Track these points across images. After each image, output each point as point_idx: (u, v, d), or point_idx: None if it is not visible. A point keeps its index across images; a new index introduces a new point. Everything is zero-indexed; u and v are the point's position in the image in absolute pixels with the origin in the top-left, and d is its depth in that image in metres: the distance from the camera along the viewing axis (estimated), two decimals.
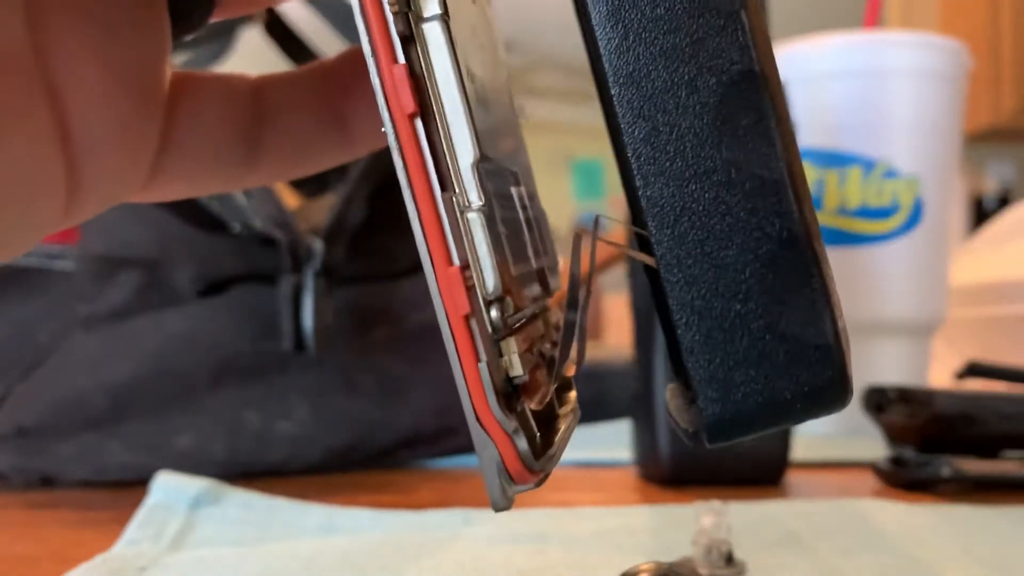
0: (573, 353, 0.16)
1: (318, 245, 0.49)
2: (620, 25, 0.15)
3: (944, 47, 0.64)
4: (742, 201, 0.15)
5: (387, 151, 0.15)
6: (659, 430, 0.45)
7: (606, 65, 0.16)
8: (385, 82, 0.15)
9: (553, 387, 0.17)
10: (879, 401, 0.50)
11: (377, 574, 0.30)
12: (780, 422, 0.16)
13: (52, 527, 0.38)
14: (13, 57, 0.17)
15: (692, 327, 0.16)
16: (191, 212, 0.49)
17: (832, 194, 0.64)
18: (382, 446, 0.51)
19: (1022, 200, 1.13)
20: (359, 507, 0.39)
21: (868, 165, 0.63)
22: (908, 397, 0.47)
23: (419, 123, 0.15)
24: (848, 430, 0.63)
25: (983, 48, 2.35)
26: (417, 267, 0.55)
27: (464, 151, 0.15)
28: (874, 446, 0.53)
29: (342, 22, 0.55)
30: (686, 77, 0.15)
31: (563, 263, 0.22)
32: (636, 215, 0.16)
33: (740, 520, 0.35)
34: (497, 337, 0.15)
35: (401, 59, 0.15)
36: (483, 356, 0.15)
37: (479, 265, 0.15)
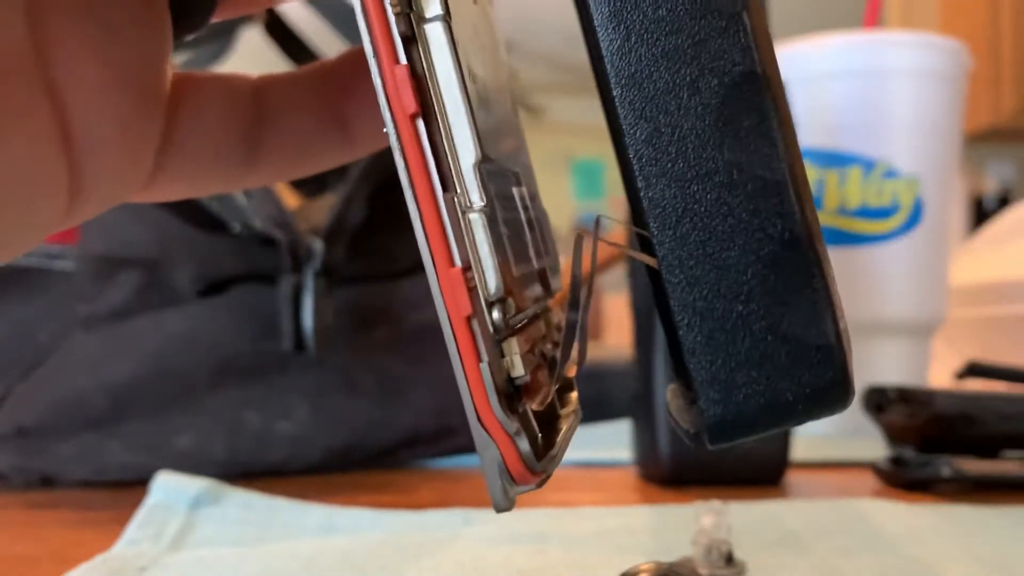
0: (574, 354, 0.16)
1: (318, 245, 0.49)
2: (622, 26, 0.15)
3: (944, 47, 0.64)
4: (744, 202, 0.15)
5: (388, 151, 0.15)
6: (659, 430, 0.45)
7: (608, 66, 0.16)
8: (387, 82, 0.15)
9: (555, 388, 0.17)
10: (879, 401, 0.50)
11: (377, 574, 0.30)
12: (782, 423, 0.16)
13: (52, 527, 0.38)
14: (14, 57, 0.17)
15: (694, 328, 0.16)
16: (191, 212, 0.49)
17: (832, 194, 0.64)
18: (382, 446, 0.51)
19: (1022, 200, 1.13)
20: (359, 507, 0.39)
21: (868, 165, 0.63)
22: (908, 397, 0.47)
23: (421, 124, 0.15)
24: (848, 430, 0.63)
25: (983, 48, 2.35)
26: (417, 267, 0.55)
27: (466, 152, 0.15)
28: (874, 446, 0.53)
29: (342, 22, 0.55)
30: (688, 78, 0.15)
31: (564, 263, 0.22)
32: (638, 216, 0.16)
33: (740, 520, 0.35)
34: (499, 338, 0.15)
35: (403, 59, 0.15)
36: (485, 357, 0.15)
37: (481, 266, 0.15)
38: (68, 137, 0.18)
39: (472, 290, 0.15)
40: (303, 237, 0.49)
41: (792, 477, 0.48)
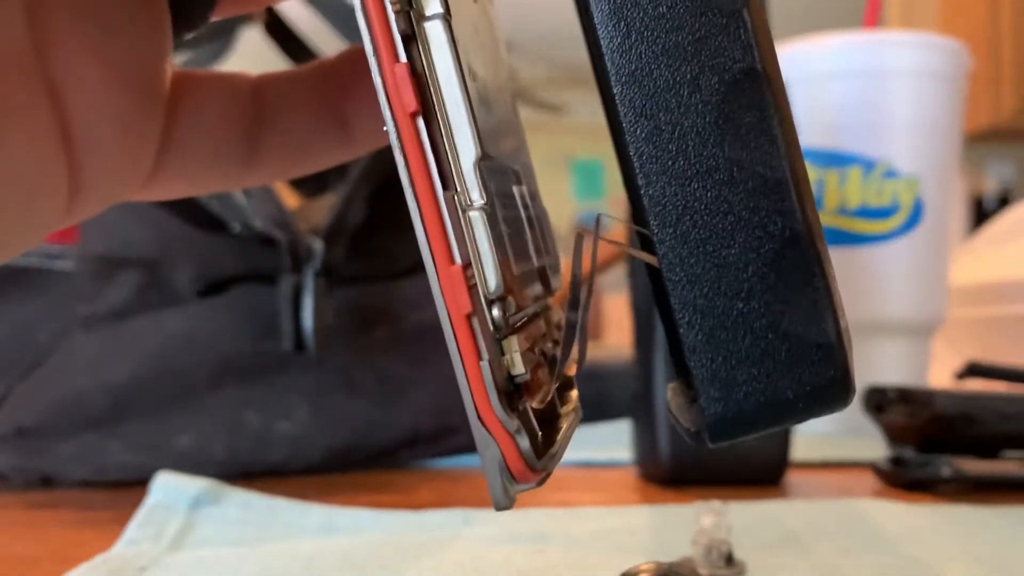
0: (574, 352, 0.16)
1: (318, 245, 0.49)
2: (622, 24, 0.15)
3: (944, 47, 0.64)
4: (744, 200, 0.15)
5: (388, 150, 0.15)
6: (659, 430, 0.45)
7: (608, 64, 0.16)
8: (387, 81, 0.15)
9: (555, 386, 0.17)
10: (879, 401, 0.50)
11: (377, 574, 0.30)
12: (782, 421, 0.16)
13: (52, 527, 0.38)
14: (14, 57, 0.17)
15: (694, 326, 0.16)
16: (191, 212, 0.49)
17: (832, 194, 0.64)
18: (382, 446, 0.51)
19: (1022, 200, 1.13)
20: (359, 507, 0.39)
21: (868, 165, 0.63)
22: (908, 397, 0.47)
23: (421, 122, 0.15)
24: (848, 430, 0.63)
25: (983, 48, 2.35)
26: (417, 267, 0.55)
27: (466, 150, 0.15)
28: (874, 446, 0.53)
29: (342, 22, 0.55)
30: (688, 76, 0.15)
31: (564, 264, 0.22)
32: (638, 214, 0.16)
33: (740, 520, 0.35)
34: (499, 336, 0.15)
35: (403, 58, 0.15)
36: (485, 355, 0.15)
37: (481, 264, 0.15)
38: (68, 136, 0.18)
39: (472, 288, 0.15)
40: (303, 237, 0.49)
41: (792, 477, 0.48)
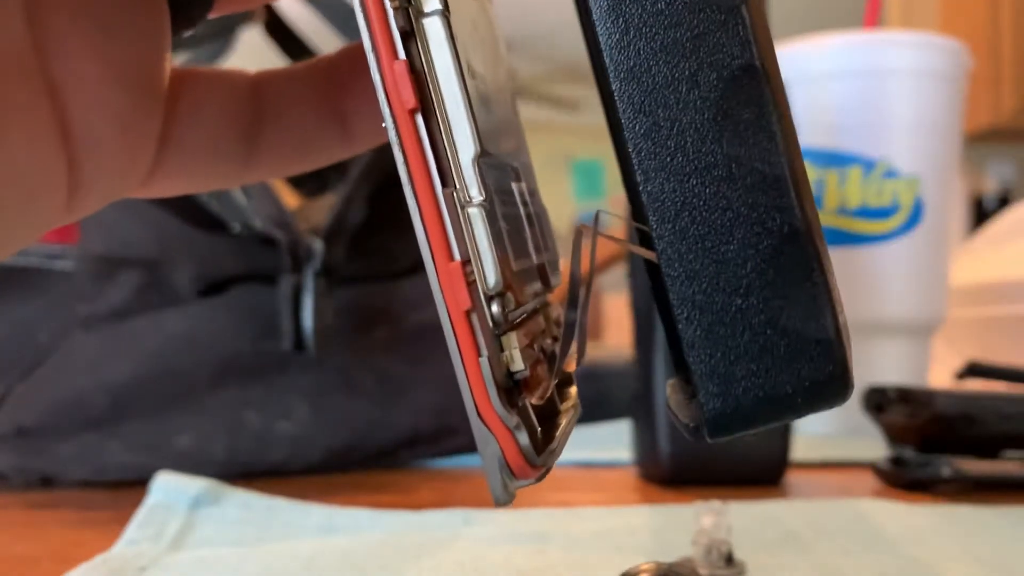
0: (573, 348, 0.16)
1: (318, 245, 0.49)
2: (621, 20, 0.15)
3: (944, 47, 0.64)
4: (743, 196, 0.15)
5: (387, 149, 0.15)
6: (659, 430, 0.45)
7: (607, 60, 0.16)
8: (386, 78, 0.15)
9: (554, 382, 0.17)
10: (879, 401, 0.50)
11: (377, 574, 0.30)
12: (781, 416, 0.16)
13: (52, 527, 0.38)
14: (14, 56, 0.17)
15: (693, 322, 0.16)
16: (191, 212, 0.49)
17: (832, 194, 0.64)
18: (382, 446, 0.51)
19: (1022, 200, 1.13)
20: (359, 507, 0.39)
21: (868, 165, 0.63)
22: (908, 397, 0.47)
23: (420, 119, 0.15)
24: (848, 430, 0.63)
25: (983, 48, 2.35)
26: (417, 267, 0.55)
27: (465, 146, 0.15)
28: (874, 446, 0.53)
29: (342, 22, 0.55)
30: (687, 72, 0.15)
31: (564, 265, 0.22)
32: (637, 211, 0.16)
33: (740, 520, 0.35)
34: (498, 332, 0.15)
35: (402, 55, 0.15)
36: (484, 351, 0.15)
37: (480, 260, 0.15)
38: (68, 135, 0.18)
39: (471, 284, 0.15)
40: (303, 237, 0.49)
41: (792, 477, 0.48)
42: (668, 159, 0.15)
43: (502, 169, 0.17)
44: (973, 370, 0.61)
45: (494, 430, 0.15)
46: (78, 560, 0.31)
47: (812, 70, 0.64)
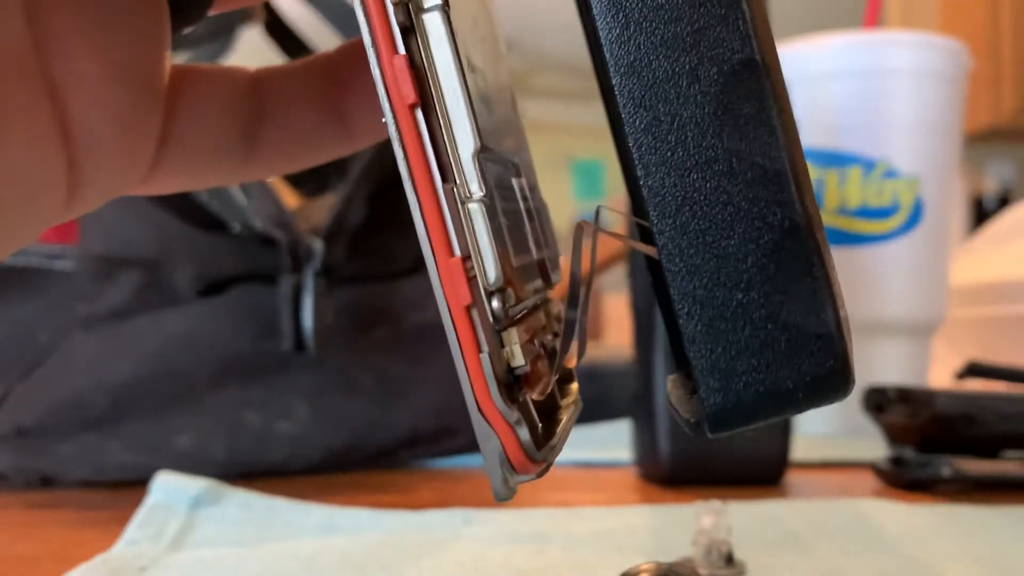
0: (574, 347, 0.16)
1: (318, 245, 0.49)
2: (621, 14, 0.15)
3: (944, 47, 0.64)
4: (743, 190, 0.15)
5: (387, 147, 0.15)
6: (659, 430, 0.45)
7: (607, 55, 0.16)
8: (386, 73, 0.15)
9: (555, 378, 0.17)
10: (879, 401, 0.50)
11: (377, 574, 0.30)
12: (782, 412, 0.16)
13: (52, 527, 0.38)
14: (14, 55, 0.17)
15: (694, 317, 0.16)
16: (191, 212, 0.49)
17: (832, 194, 0.64)
18: (382, 446, 0.51)
19: (1022, 200, 1.13)
20: (359, 507, 0.39)
21: (868, 165, 0.63)
22: (908, 397, 0.47)
23: (420, 114, 0.15)
24: (848, 430, 0.63)
25: (983, 48, 2.35)
26: (417, 267, 0.55)
27: (465, 142, 0.15)
28: (874, 446, 0.53)
29: (342, 21, 0.55)
30: (687, 66, 0.15)
31: (564, 264, 0.22)
32: (637, 206, 0.16)
33: (740, 520, 0.35)
34: (499, 327, 0.15)
35: (402, 50, 0.15)
36: (485, 346, 0.15)
37: (480, 256, 0.15)
38: (68, 134, 0.18)
39: (472, 280, 0.15)
40: (303, 237, 0.49)
41: (792, 477, 0.48)
42: (668, 154, 0.15)
43: (502, 165, 0.17)
44: (973, 370, 0.61)
45: (495, 425, 0.15)
46: (78, 560, 0.31)
47: (812, 70, 0.65)
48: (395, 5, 0.15)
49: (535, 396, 0.16)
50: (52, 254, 0.48)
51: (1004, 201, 2.55)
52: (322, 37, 0.56)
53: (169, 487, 0.39)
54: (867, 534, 0.35)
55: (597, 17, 0.16)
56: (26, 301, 0.48)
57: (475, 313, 0.15)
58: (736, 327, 0.15)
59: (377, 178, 0.51)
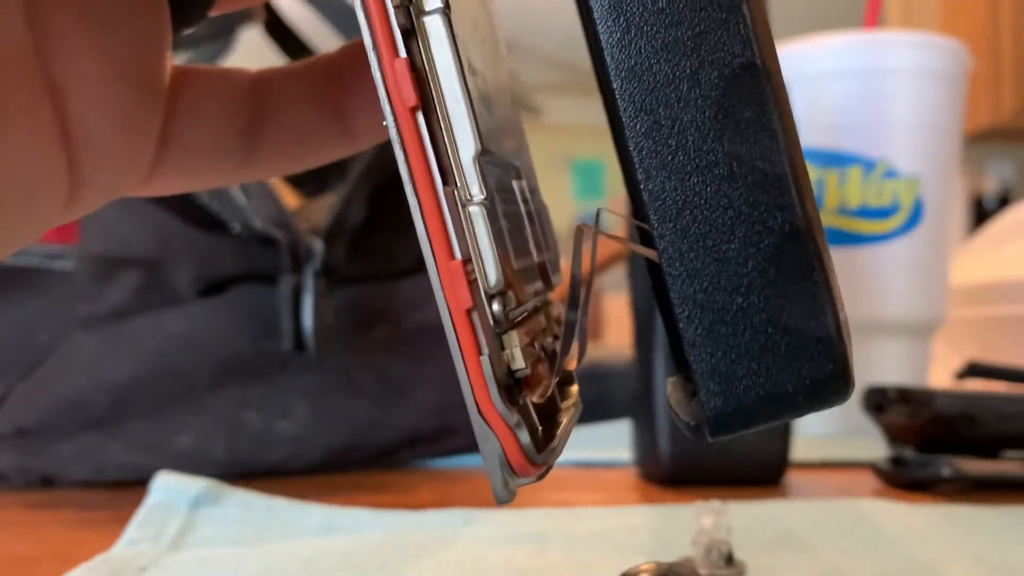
0: (574, 348, 0.16)
1: (318, 245, 0.49)
2: (622, 19, 0.15)
3: (944, 47, 0.64)
4: (744, 194, 0.15)
5: (388, 149, 0.15)
6: (659, 430, 0.45)
7: (608, 59, 0.16)
8: (387, 76, 0.15)
9: (555, 381, 0.17)
10: (879, 401, 0.50)
11: (377, 574, 0.30)
12: (782, 415, 0.16)
13: (52, 527, 0.38)
14: (14, 56, 0.17)
15: (694, 320, 0.16)
16: (191, 212, 0.49)
17: (832, 194, 0.64)
18: (382, 446, 0.51)
19: (1022, 200, 1.13)
20: (359, 507, 0.39)
21: (868, 165, 0.63)
22: (908, 397, 0.47)
23: (420, 117, 0.15)
24: (848, 430, 0.63)
25: (983, 48, 2.35)
26: (417, 267, 0.55)
27: (465, 144, 0.15)
28: (874, 446, 0.53)
29: (342, 21, 0.55)
30: (688, 70, 0.15)
31: (565, 266, 0.22)
32: (638, 209, 0.16)
33: (740, 520, 0.35)
34: (499, 330, 0.15)
35: (403, 53, 0.15)
36: (485, 349, 0.15)
37: (481, 259, 0.15)
38: (68, 134, 0.18)
39: (472, 283, 0.15)
40: (303, 237, 0.49)
41: (792, 477, 0.48)
42: (669, 157, 0.15)
43: (503, 167, 0.17)
44: (973, 370, 0.61)
45: (495, 428, 0.15)
46: (78, 560, 0.31)
47: (812, 70, 0.65)
48: (396, 8, 0.15)
49: (535, 399, 0.16)
50: (52, 254, 0.48)
51: (1004, 201, 2.55)
52: (322, 37, 0.56)
53: (169, 487, 0.39)
54: (867, 534, 0.35)
55: (598, 21, 0.16)
56: (26, 301, 0.48)
57: (476, 316, 0.15)
58: (736, 331, 0.15)
59: (377, 178, 0.51)
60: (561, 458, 0.17)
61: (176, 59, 0.21)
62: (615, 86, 0.16)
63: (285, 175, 0.41)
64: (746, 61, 0.15)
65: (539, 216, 0.21)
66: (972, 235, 1.13)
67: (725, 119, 0.15)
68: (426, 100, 0.15)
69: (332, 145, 0.23)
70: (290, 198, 0.53)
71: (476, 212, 0.15)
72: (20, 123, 0.17)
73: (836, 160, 0.64)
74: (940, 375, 0.72)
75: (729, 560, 0.30)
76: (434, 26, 0.15)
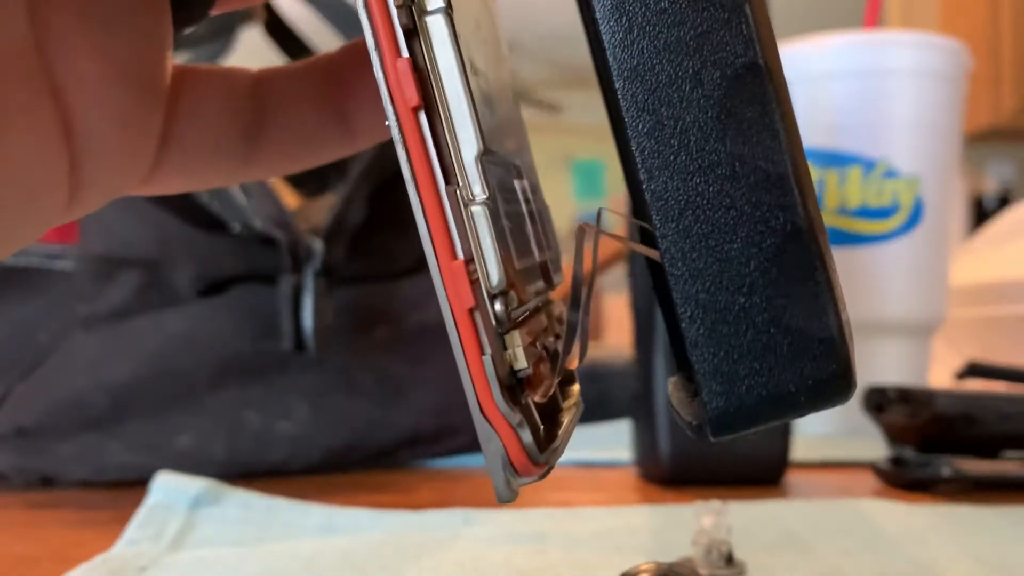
0: (575, 347, 0.16)
1: (318, 245, 0.49)
2: (624, 19, 0.15)
3: (944, 47, 0.64)
4: (746, 194, 0.15)
5: (389, 148, 0.15)
6: (659, 430, 0.45)
7: (610, 59, 0.16)
8: (389, 76, 0.15)
9: (557, 380, 0.17)
10: (879, 401, 0.50)
11: (377, 574, 0.30)
12: (784, 415, 0.16)
13: (52, 527, 0.38)
14: (16, 56, 0.17)
15: (696, 320, 0.16)
16: (191, 212, 0.49)
17: (832, 194, 0.64)
18: (382, 446, 0.51)
19: (1022, 200, 1.13)
20: (359, 507, 0.39)
21: (868, 165, 0.63)
22: (908, 397, 0.47)
23: (423, 117, 0.15)
24: (848, 430, 0.63)
25: (983, 48, 2.35)
26: (417, 267, 0.55)
27: (467, 144, 0.15)
28: (874, 446, 0.53)
29: (342, 21, 0.55)
30: (690, 71, 0.15)
31: (566, 266, 0.22)
32: (640, 209, 0.16)
33: (740, 520, 0.35)
34: (501, 330, 0.15)
35: (405, 53, 0.15)
36: (487, 349, 0.15)
37: (483, 258, 0.15)
38: (69, 133, 0.18)
39: (474, 283, 0.15)
40: (303, 237, 0.49)
41: (792, 477, 0.48)
42: (671, 158, 0.15)
43: (505, 167, 0.17)
44: (973, 370, 0.61)
45: (497, 428, 0.15)
46: (78, 560, 0.31)
47: (812, 70, 0.65)
48: (398, 8, 0.15)
49: (537, 399, 0.16)
50: (52, 254, 0.48)
51: (1004, 201, 2.55)
52: (322, 37, 0.56)
53: (169, 487, 0.39)
54: (867, 534, 0.35)
55: (600, 21, 0.16)
56: (26, 301, 0.48)
57: (478, 316, 0.15)
58: (738, 331, 0.15)
59: (377, 178, 0.51)
60: (561, 458, 0.17)
61: (176, 59, 0.21)
62: (617, 86, 0.16)
63: (285, 175, 0.41)
64: (748, 61, 0.15)
65: (541, 215, 0.21)
66: (972, 235, 1.13)
67: (727, 119, 0.15)
68: (428, 100, 0.15)
69: (332, 145, 0.23)
70: (290, 198, 0.53)
71: (478, 212, 0.15)
72: (21, 123, 0.17)
73: (836, 160, 0.64)
74: (940, 375, 0.72)
75: (729, 560, 0.30)
76: (436, 26, 0.15)
